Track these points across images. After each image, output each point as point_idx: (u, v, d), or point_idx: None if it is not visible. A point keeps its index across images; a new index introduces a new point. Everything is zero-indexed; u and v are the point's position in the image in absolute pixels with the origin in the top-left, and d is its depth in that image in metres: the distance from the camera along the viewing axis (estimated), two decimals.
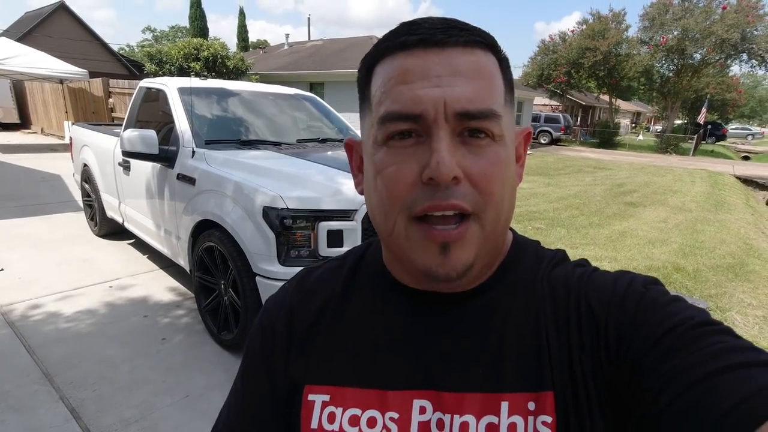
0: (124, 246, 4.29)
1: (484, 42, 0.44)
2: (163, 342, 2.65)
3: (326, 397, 0.49)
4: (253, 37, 34.25)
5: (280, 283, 2.41)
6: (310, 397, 0.50)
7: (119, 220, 3.95)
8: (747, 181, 12.16)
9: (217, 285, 2.62)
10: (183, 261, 2.98)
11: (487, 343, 0.47)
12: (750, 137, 41.06)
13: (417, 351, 0.48)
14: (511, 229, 0.54)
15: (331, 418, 0.48)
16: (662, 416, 0.36)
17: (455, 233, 0.42)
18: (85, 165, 4.45)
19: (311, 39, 22.10)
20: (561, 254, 0.53)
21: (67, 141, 9.75)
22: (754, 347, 0.37)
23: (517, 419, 0.43)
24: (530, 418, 0.43)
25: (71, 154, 4.97)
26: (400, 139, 0.42)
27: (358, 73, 0.48)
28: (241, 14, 27.18)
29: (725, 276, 4.29)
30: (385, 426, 0.46)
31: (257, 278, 2.28)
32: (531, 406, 0.43)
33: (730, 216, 7.14)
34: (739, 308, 3.59)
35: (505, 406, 0.44)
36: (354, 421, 0.47)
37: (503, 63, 0.45)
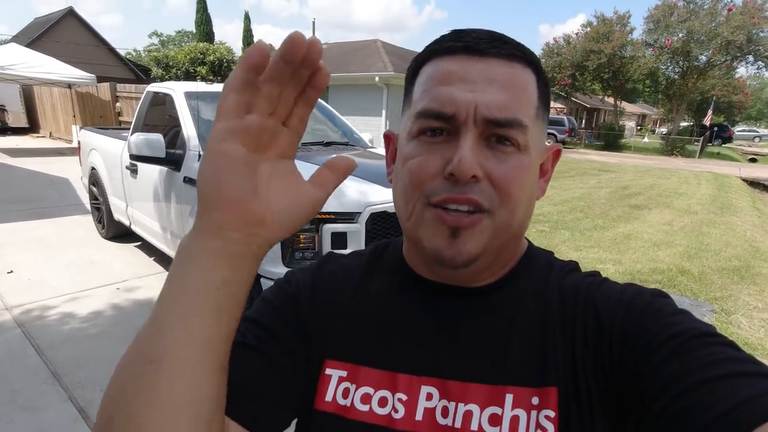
0: (131, 248, 4.34)
1: (525, 57, 0.46)
2: None
3: (343, 373, 0.51)
4: None
5: None
6: (328, 371, 0.51)
7: (126, 222, 4.00)
8: (754, 184, 12.08)
9: None
10: None
11: (495, 337, 0.48)
12: (757, 139, 40.76)
13: (428, 339, 0.50)
14: (527, 239, 0.57)
15: (345, 393, 0.50)
16: (658, 420, 0.37)
17: (466, 220, 0.44)
18: (93, 168, 4.51)
19: None
20: (573, 264, 0.55)
21: (74, 145, 9.87)
22: (754, 360, 0.38)
23: (520, 412, 0.45)
24: (533, 412, 0.44)
25: (79, 158, 5.04)
26: (432, 136, 0.46)
27: (407, 71, 0.52)
28: (247, 18, 27.35)
29: (731, 278, 4.27)
30: (394, 407, 0.48)
31: (261, 280, 2.30)
32: (534, 400, 0.45)
33: (737, 218, 7.10)
34: (745, 311, 3.57)
35: (509, 398, 0.45)
36: (366, 399, 0.49)
37: (541, 81, 0.48)
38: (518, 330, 0.48)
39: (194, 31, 21.77)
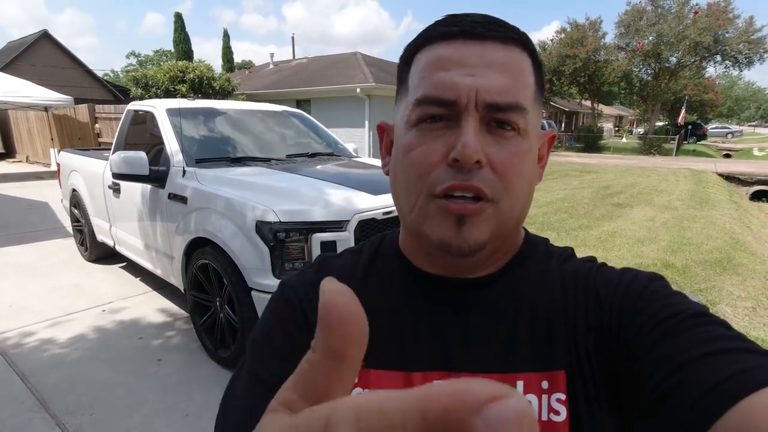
0: (115, 269, 4.25)
1: (521, 41, 0.46)
2: (160, 363, 2.63)
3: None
4: (237, 58, 34.48)
5: None
6: None
7: (110, 243, 3.93)
8: (729, 178, 12.41)
9: (212, 302, 2.61)
10: (176, 280, 2.97)
11: (501, 326, 0.49)
12: (730, 135, 42.00)
13: (436, 334, 0.50)
14: (523, 226, 0.57)
15: None
16: (653, 396, 0.38)
17: (472, 207, 0.44)
18: (74, 190, 4.43)
19: (296, 57, 22.32)
20: (569, 250, 0.56)
21: (53, 168, 9.68)
22: (744, 337, 0.39)
23: (532, 398, 0.45)
24: (544, 396, 0.45)
25: (59, 181, 4.94)
26: (431, 123, 0.45)
27: (400, 59, 0.51)
28: (226, 36, 27.39)
29: (713, 270, 4.37)
30: None
31: (253, 293, 2.28)
32: (545, 384, 0.46)
33: (715, 212, 7.28)
34: (729, 301, 3.65)
35: (520, 385, 0.46)
36: None
37: (536, 63, 0.48)
38: (523, 317, 0.49)
39: (173, 50, 21.70)
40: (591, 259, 0.54)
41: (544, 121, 23.54)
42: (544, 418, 0.45)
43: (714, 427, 0.32)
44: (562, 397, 0.45)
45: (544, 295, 0.50)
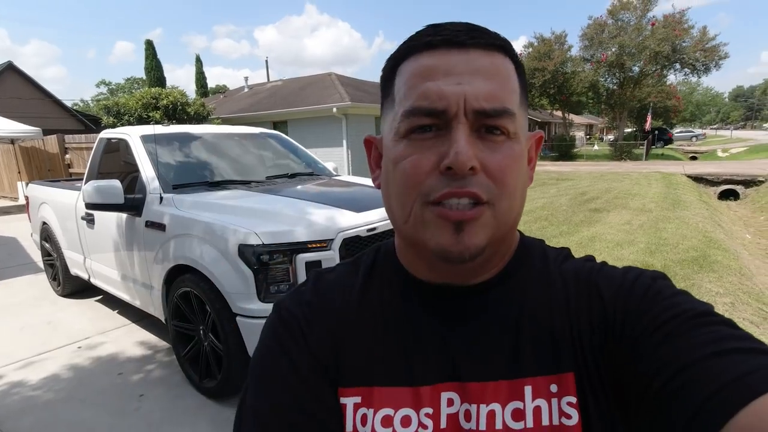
0: (91, 303, 4.09)
1: (503, 47, 0.46)
2: (141, 398, 2.51)
3: (358, 399, 0.48)
4: (211, 83, 34.29)
5: (263, 321, 2.34)
6: (342, 400, 0.48)
7: (85, 276, 3.78)
8: (698, 179, 12.86)
9: (195, 331, 2.52)
10: (156, 311, 2.86)
11: (504, 332, 0.48)
12: (694, 139, 43.89)
13: (439, 344, 0.48)
14: (518, 230, 0.56)
15: (364, 420, 0.47)
16: (657, 396, 0.37)
17: (470, 213, 0.43)
18: (45, 223, 4.27)
19: (270, 80, 22.37)
20: (566, 251, 0.56)
21: (21, 202, 9.35)
22: (750, 336, 0.38)
23: (542, 402, 0.44)
24: (554, 400, 0.44)
25: (28, 214, 4.76)
26: (421, 133, 0.44)
27: (383, 71, 0.50)
28: (198, 62, 27.29)
29: (691, 269, 4.48)
30: (420, 423, 0.45)
31: (238, 318, 2.22)
32: (554, 388, 0.45)
33: (688, 212, 7.50)
34: (708, 297, 3.73)
35: (528, 390, 0.45)
36: (387, 421, 0.46)
37: (519, 69, 0.48)
38: (526, 321, 0.48)
39: (144, 77, 21.46)
40: (590, 258, 0.54)
41: None
42: (555, 422, 0.43)
43: (724, 429, 0.31)
44: (573, 400, 0.44)
45: (545, 297, 0.49)
